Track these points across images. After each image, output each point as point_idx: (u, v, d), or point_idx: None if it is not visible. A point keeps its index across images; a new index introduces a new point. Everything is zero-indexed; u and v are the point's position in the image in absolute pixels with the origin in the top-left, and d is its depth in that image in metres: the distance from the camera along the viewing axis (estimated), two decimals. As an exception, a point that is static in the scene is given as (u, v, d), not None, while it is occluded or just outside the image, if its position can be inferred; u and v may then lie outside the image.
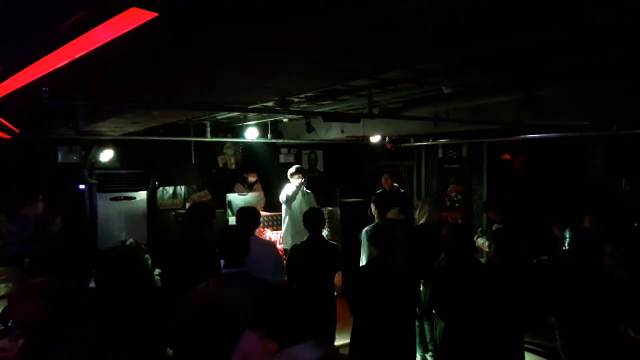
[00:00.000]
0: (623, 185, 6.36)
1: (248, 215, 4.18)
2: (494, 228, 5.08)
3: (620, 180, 6.35)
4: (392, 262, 3.47)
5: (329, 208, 7.01)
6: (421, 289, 4.21)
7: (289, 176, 5.90)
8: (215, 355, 2.45)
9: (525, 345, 3.85)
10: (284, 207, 5.95)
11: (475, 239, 5.00)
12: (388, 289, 3.36)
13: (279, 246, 5.97)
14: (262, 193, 7.61)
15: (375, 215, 4.96)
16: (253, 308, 2.12)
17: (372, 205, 5.21)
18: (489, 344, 3.24)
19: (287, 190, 5.82)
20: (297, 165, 6.10)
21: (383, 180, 7.33)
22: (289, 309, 1.98)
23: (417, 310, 4.86)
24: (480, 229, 5.76)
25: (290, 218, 5.88)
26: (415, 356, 3.86)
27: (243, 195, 7.32)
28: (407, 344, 3.45)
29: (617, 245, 3.14)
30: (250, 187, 7.69)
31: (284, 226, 6.00)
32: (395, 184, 7.44)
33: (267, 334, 1.98)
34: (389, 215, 5.35)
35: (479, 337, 3.23)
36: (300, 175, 5.83)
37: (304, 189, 5.94)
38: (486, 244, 4.89)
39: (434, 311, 4.44)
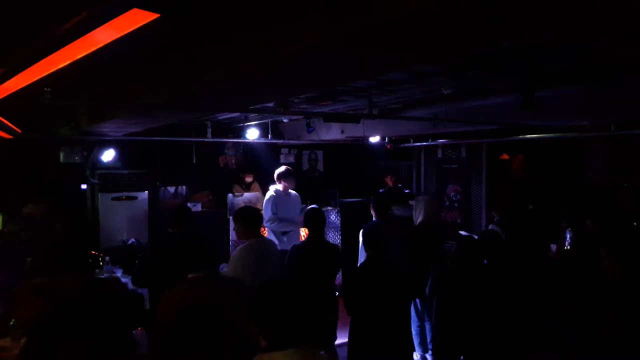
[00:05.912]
0: (622, 186, 6.36)
1: (249, 215, 3.92)
2: (489, 228, 5.09)
3: (618, 181, 6.36)
4: (387, 261, 3.46)
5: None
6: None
7: (281, 177, 5.69)
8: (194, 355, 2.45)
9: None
10: (268, 210, 5.63)
11: None
12: (382, 289, 3.36)
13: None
14: (260, 192, 7.62)
15: (374, 214, 4.97)
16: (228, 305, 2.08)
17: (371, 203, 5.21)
18: (494, 344, 3.25)
19: (274, 200, 5.58)
20: (288, 167, 5.87)
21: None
22: (279, 307, 1.88)
23: (419, 309, 4.90)
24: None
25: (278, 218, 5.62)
26: (411, 356, 3.86)
27: (238, 195, 7.23)
28: (402, 343, 3.44)
29: (614, 247, 3.14)
30: (247, 188, 7.70)
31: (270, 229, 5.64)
32: (399, 184, 7.45)
33: (257, 329, 1.90)
34: None
35: (481, 337, 3.25)
36: (293, 179, 5.72)
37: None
38: None
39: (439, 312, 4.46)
